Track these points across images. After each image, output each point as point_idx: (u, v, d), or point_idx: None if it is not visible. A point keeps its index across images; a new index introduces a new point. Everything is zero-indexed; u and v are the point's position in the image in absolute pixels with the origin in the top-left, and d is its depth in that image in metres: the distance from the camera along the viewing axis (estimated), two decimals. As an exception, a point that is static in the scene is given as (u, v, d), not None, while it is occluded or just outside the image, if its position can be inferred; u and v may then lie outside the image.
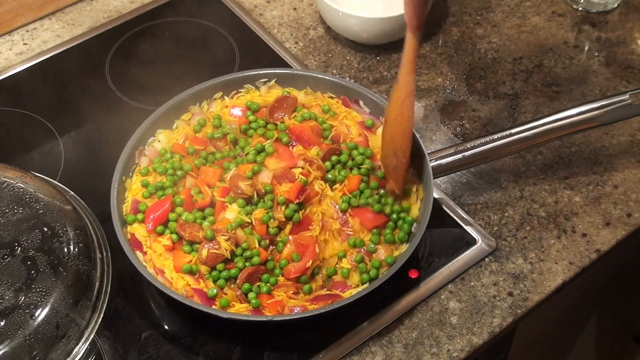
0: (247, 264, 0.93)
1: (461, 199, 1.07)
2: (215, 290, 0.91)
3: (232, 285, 0.92)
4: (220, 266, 0.93)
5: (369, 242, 0.95)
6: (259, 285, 0.92)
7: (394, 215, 0.97)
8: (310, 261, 0.92)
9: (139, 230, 0.96)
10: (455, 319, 0.96)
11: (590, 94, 1.19)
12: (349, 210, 0.97)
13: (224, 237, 0.93)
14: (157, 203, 0.97)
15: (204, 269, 0.93)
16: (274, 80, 1.10)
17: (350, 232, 0.96)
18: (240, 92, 1.11)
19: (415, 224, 0.97)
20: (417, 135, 1.01)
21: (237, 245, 0.93)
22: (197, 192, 0.98)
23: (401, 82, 0.94)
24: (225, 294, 0.91)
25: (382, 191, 0.99)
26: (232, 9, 1.33)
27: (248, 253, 0.93)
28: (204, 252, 0.92)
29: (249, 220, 0.95)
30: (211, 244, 0.92)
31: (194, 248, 0.94)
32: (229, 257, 0.93)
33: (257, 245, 0.94)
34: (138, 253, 0.94)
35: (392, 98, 0.96)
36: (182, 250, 0.94)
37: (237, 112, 1.08)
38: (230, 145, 1.04)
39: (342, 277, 0.93)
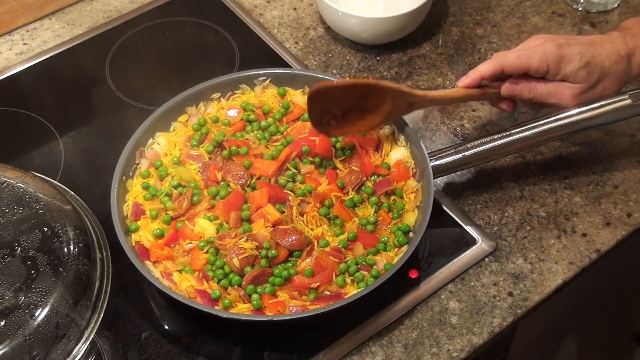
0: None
1: (461, 199, 1.07)
2: (218, 292, 0.91)
3: (236, 286, 0.92)
4: (247, 268, 0.93)
5: (369, 257, 0.95)
6: (264, 287, 0.92)
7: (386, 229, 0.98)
8: (319, 284, 0.92)
9: (145, 237, 0.96)
10: (455, 319, 0.96)
11: (590, 94, 1.19)
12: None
13: (242, 239, 0.93)
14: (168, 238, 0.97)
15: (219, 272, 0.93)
16: (269, 80, 1.10)
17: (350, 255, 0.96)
18: (236, 93, 1.11)
19: (412, 227, 0.97)
20: (418, 135, 1.01)
21: (259, 244, 0.94)
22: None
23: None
24: (229, 294, 0.91)
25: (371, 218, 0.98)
26: (232, 9, 1.33)
27: (273, 252, 0.93)
28: (236, 261, 0.92)
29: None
30: (236, 251, 0.92)
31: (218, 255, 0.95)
32: (259, 254, 0.93)
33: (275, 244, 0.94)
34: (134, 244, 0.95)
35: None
36: (206, 260, 0.94)
37: (233, 113, 1.08)
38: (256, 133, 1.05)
39: (338, 286, 0.93)
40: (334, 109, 0.98)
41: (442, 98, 1.02)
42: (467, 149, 0.99)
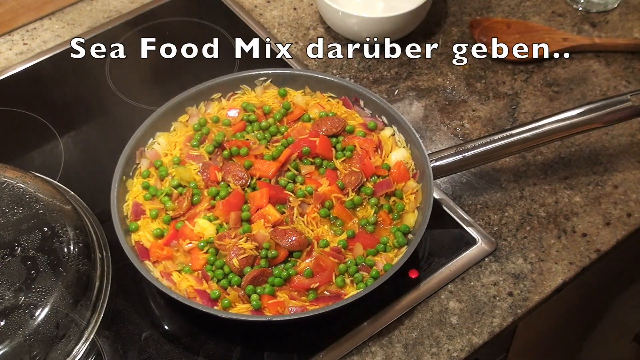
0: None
1: (461, 199, 1.07)
2: (217, 292, 0.91)
3: (236, 286, 0.92)
4: (247, 269, 0.93)
5: (369, 258, 0.95)
6: (264, 287, 0.92)
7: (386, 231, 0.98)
8: (319, 284, 0.92)
9: (145, 237, 0.96)
10: (455, 319, 0.96)
11: (590, 94, 1.19)
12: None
13: (242, 240, 0.93)
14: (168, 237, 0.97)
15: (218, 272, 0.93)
16: (269, 80, 1.10)
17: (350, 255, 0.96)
18: (236, 93, 1.11)
19: (412, 228, 0.97)
20: (417, 136, 1.01)
21: (259, 244, 0.93)
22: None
23: None
24: (228, 294, 0.91)
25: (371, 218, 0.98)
26: (232, 9, 1.33)
27: (273, 252, 0.93)
28: (235, 261, 0.92)
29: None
30: (236, 251, 0.92)
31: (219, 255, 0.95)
32: (259, 255, 0.93)
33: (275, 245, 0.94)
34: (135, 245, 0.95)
35: None
36: (206, 260, 0.94)
37: (233, 113, 1.08)
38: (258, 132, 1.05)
39: (337, 287, 0.93)
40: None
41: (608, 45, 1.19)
42: (468, 150, 0.99)
